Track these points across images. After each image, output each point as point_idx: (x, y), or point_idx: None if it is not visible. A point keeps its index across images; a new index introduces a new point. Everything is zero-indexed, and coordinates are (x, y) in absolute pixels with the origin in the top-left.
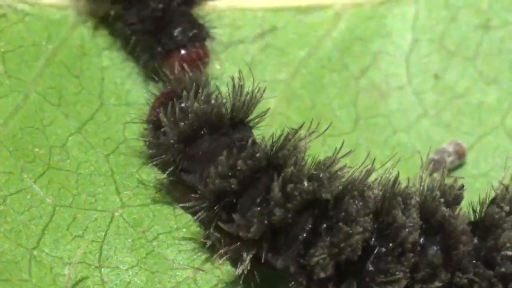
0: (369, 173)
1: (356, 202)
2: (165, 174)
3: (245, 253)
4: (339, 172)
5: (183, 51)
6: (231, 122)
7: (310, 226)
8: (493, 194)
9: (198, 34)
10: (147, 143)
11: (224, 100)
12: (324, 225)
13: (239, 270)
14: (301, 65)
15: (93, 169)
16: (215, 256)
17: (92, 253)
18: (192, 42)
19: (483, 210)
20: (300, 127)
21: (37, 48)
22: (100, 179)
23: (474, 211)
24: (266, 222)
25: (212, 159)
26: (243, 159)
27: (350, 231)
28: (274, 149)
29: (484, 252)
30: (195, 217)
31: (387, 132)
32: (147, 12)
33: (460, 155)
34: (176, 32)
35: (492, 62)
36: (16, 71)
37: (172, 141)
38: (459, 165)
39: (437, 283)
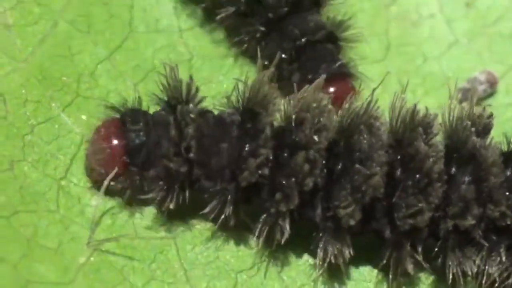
0: (371, 103)
1: (366, 137)
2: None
3: (282, 224)
4: (325, 109)
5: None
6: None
7: (327, 176)
8: None
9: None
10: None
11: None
12: (341, 170)
13: (283, 240)
14: None
15: (121, 98)
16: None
17: None
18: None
19: None
20: None
21: None
22: None
23: (508, 141)
24: (300, 191)
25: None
26: (263, 147)
27: (368, 172)
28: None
29: None
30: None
31: (418, 60)
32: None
33: (492, 84)
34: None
35: None
36: None
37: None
38: (491, 94)
39: (469, 219)
